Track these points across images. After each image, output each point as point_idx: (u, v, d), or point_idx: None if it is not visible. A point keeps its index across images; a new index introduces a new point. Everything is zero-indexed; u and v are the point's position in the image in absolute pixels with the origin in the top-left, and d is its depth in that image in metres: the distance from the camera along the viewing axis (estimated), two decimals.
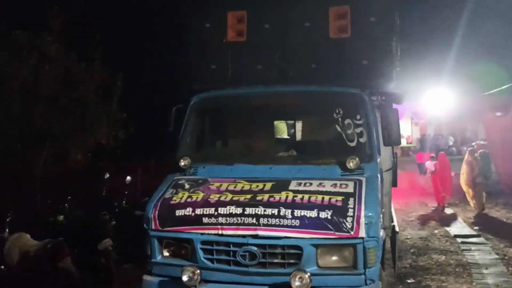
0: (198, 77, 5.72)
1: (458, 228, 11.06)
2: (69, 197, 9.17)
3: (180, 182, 4.70)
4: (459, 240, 9.72)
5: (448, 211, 13.35)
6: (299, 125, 5.83)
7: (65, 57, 10.15)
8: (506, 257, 8.21)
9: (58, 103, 10.00)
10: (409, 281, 7.11)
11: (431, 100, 14.95)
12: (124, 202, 9.70)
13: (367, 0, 5.50)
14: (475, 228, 10.90)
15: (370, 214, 3.95)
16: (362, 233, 3.88)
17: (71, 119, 10.33)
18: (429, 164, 16.23)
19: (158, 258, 4.35)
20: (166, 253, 4.37)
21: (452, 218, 12.32)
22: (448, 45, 15.60)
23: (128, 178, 10.11)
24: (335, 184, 4.30)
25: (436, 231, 10.74)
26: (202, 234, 4.13)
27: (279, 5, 5.65)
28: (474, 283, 6.93)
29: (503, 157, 15.49)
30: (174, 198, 4.40)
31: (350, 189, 4.21)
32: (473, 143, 26.24)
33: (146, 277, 4.42)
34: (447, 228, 11.00)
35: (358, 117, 4.81)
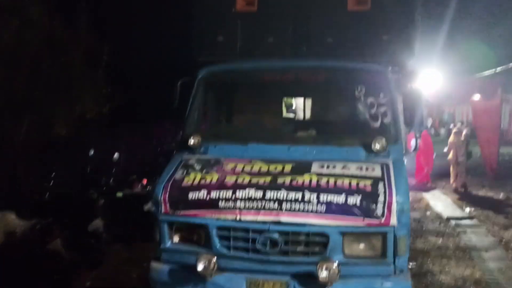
0: (203, 49, 5.27)
1: (449, 210, 11.02)
2: (53, 174, 8.72)
3: (190, 162, 4.34)
4: (452, 222, 9.67)
5: (436, 192, 13.39)
6: (317, 103, 5.48)
7: (49, 22, 9.48)
8: (504, 240, 8.17)
9: (41, 71, 9.40)
10: (410, 263, 6.97)
11: (421, 81, 14.81)
12: (111, 180, 9.29)
13: None
14: (466, 210, 10.89)
15: (401, 200, 3.69)
16: (394, 220, 3.63)
17: (55, 88, 9.75)
18: (413, 142, 16.40)
19: (168, 244, 4.03)
20: (176, 239, 4.05)
21: (442, 199, 12.31)
22: (439, 24, 15.42)
23: (116, 155, 9.68)
24: (361, 167, 4.02)
25: (428, 213, 10.69)
26: (218, 219, 3.83)
27: None
28: (476, 267, 6.84)
29: (489, 140, 15.54)
30: (186, 180, 4.05)
31: (378, 172, 3.93)
32: (451, 125, 26.90)
33: (155, 264, 4.09)
34: (438, 210, 10.95)
35: (381, 95, 4.52)
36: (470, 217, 10.03)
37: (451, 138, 13.76)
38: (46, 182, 8.07)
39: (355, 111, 4.62)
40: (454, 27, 16.32)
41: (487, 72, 14.66)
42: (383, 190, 3.72)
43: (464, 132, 14.15)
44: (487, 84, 15.10)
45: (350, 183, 3.80)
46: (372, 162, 4.10)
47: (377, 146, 4.17)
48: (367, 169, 4.00)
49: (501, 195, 12.55)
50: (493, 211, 10.52)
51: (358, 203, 3.65)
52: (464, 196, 12.47)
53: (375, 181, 3.82)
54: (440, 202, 11.98)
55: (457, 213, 10.63)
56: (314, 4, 5.11)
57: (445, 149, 13.77)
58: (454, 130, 14.41)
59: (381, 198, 3.66)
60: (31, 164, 9.31)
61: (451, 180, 13.50)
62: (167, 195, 3.98)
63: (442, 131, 32.03)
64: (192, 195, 3.90)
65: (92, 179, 9.03)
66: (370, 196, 3.68)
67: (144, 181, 9.44)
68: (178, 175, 4.15)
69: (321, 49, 5.03)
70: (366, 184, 3.79)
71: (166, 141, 16.80)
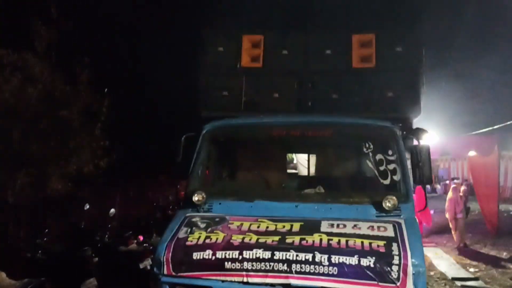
0: (208, 103, 5.26)
1: (453, 270, 10.70)
2: (46, 230, 8.43)
3: (194, 219, 4.18)
4: (458, 283, 9.35)
5: (438, 250, 13.09)
6: (325, 160, 5.41)
7: (49, 79, 9.54)
8: None
9: (39, 125, 9.34)
10: None
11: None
12: (107, 236, 9.00)
13: (393, 29, 5.24)
14: (470, 270, 10.59)
15: (417, 262, 3.53)
16: (410, 284, 3.45)
17: (52, 142, 9.66)
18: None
19: None
20: None
21: (445, 258, 12.00)
22: (435, 84, 15.74)
23: (112, 210, 9.44)
24: (372, 227, 3.88)
25: (432, 273, 10.35)
26: (223, 281, 3.63)
27: (299, 30, 5.32)
28: None
29: (488, 197, 15.41)
30: (189, 239, 3.87)
31: (390, 232, 3.78)
32: (447, 181, 26.86)
33: None
34: (442, 270, 10.64)
35: (390, 152, 4.44)
36: (475, 278, 9.72)
37: (450, 195, 13.70)
38: (38, 239, 7.77)
39: (363, 168, 4.54)
40: (452, 85, 16.67)
41: (484, 130, 14.79)
42: (397, 252, 3.56)
43: (462, 188, 14.11)
44: (484, 140, 15.20)
45: (362, 244, 3.64)
46: (383, 221, 3.96)
47: (388, 204, 4.05)
48: (379, 228, 3.86)
49: (504, 254, 12.27)
50: (497, 271, 10.24)
51: (372, 265, 3.48)
52: (467, 255, 12.17)
53: (389, 241, 3.66)
54: (443, 261, 11.66)
55: (462, 273, 10.32)
56: (319, 61, 5.17)
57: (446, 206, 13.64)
58: (452, 186, 14.38)
59: (395, 261, 3.49)
60: (23, 219, 9.04)
61: (454, 237, 13.29)
62: (170, 255, 3.79)
63: (438, 187, 31.86)
64: (196, 255, 3.71)
65: (87, 236, 8.74)
66: (384, 258, 3.51)
67: (140, 238, 9.16)
68: (181, 233, 3.98)
69: (326, 105, 5.05)
70: (379, 245, 3.63)
71: (162, 196, 16.59)
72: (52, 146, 9.81)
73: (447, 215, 13.49)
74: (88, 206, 9.70)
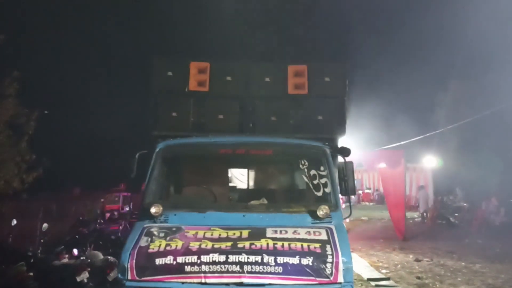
0: (158, 123, 5.72)
1: (368, 271, 11.78)
2: None
3: (152, 230, 4.62)
4: (372, 283, 10.41)
5: (354, 255, 14.22)
6: (266, 175, 6.05)
7: None
8: None
9: None
10: None
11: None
12: (39, 250, 8.95)
13: (322, 62, 6.06)
14: (382, 271, 11.77)
15: (346, 260, 4.25)
16: (340, 278, 4.16)
17: None
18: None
19: None
20: None
21: (360, 262, 13.13)
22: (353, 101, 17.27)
23: (45, 225, 9.37)
24: (309, 232, 4.57)
25: None
26: (183, 283, 4.10)
27: (242, 59, 5.97)
28: None
29: (396, 205, 17.06)
30: (151, 246, 4.32)
31: (324, 236, 4.49)
32: (360, 191, 28.91)
33: None
34: (358, 272, 11.68)
35: (322, 168, 5.19)
36: (386, 278, 10.88)
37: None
38: None
39: (300, 182, 5.24)
40: (367, 109, 18.37)
41: (392, 145, 16.43)
42: (330, 252, 4.27)
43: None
44: (393, 154, 16.83)
45: (302, 246, 4.31)
46: (318, 227, 4.67)
47: (321, 213, 4.78)
48: (314, 233, 4.56)
49: (410, 257, 13.71)
50: (405, 272, 11.51)
51: (310, 264, 4.16)
52: (379, 259, 13.45)
53: (323, 244, 4.37)
54: (359, 264, 12.75)
55: (375, 274, 11.44)
56: (259, 87, 5.85)
57: None
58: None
59: (329, 259, 4.20)
60: None
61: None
62: (133, 262, 4.19)
63: (353, 197, 34.03)
64: (159, 261, 4.16)
65: (18, 250, 8.64)
66: (320, 258, 4.21)
67: (75, 252, 9.18)
68: (143, 242, 4.40)
69: (265, 126, 5.73)
70: (316, 246, 4.32)
71: (87, 210, 16.32)
72: None
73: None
74: (15, 222, 9.55)
